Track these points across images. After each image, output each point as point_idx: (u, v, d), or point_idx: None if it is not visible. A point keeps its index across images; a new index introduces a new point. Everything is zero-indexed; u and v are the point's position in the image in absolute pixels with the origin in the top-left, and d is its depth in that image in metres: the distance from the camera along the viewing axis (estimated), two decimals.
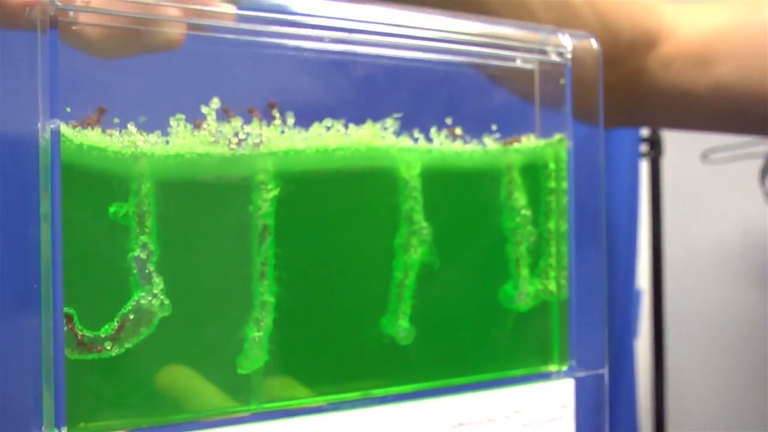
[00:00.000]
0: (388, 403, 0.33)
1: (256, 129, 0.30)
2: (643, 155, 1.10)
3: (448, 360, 0.35)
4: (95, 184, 0.28)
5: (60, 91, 0.27)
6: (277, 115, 0.31)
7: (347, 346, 0.32)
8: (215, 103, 0.30)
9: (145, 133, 0.28)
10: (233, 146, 0.30)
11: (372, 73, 0.34)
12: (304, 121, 0.31)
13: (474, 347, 0.35)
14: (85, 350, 0.27)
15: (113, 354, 0.28)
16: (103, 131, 0.28)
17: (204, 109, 0.29)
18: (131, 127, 0.28)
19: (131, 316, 0.28)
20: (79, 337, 0.27)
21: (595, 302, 0.38)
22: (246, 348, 0.30)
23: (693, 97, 0.41)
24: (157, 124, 0.28)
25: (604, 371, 0.38)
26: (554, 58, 0.37)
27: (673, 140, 0.93)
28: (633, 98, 0.37)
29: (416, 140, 0.34)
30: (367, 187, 0.33)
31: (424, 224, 0.34)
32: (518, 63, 0.37)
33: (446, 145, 0.34)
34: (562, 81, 0.37)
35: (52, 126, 0.26)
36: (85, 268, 0.27)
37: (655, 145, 0.99)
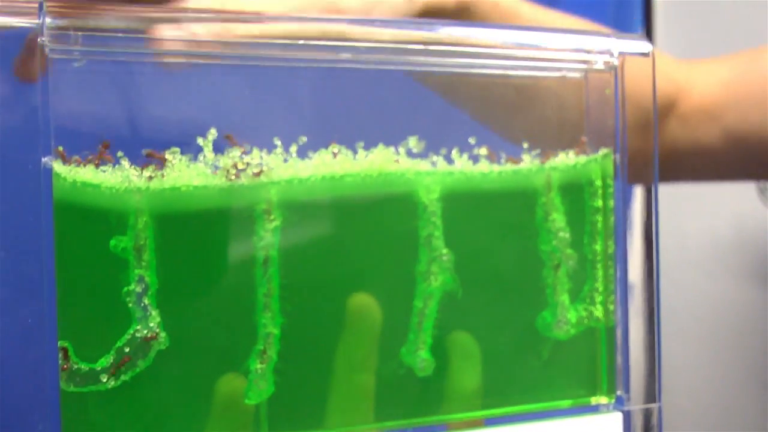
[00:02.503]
0: None
1: (256, 159, 0.30)
2: None
3: (476, 391, 0.33)
4: (91, 219, 0.28)
5: (54, 129, 0.27)
6: (279, 143, 0.30)
7: (357, 375, 0.31)
8: (212, 134, 0.29)
9: (138, 168, 0.28)
10: (232, 177, 0.29)
11: (388, 92, 0.32)
12: (311, 147, 0.31)
13: (504, 378, 0.33)
14: (81, 383, 0.28)
15: (109, 386, 0.28)
16: (97, 167, 0.28)
17: (200, 141, 0.29)
18: (124, 163, 0.28)
19: (127, 349, 0.28)
20: (74, 369, 0.28)
21: (647, 330, 0.35)
22: (250, 380, 0.30)
23: (707, 149, 0.41)
24: (130, 157, 0.29)
25: (658, 405, 0.35)
26: (600, 66, 0.34)
27: None
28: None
29: (434, 163, 0.32)
30: (382, 213, 0.32)
31: (444, 251, 0.32)
32: (564, 73, 0.35)
33: (468, 166, 0.33)
34: (608, 91, 0.34)
35: (45, 163, 0.27)
36: (82, 301, 0.28)
37: None
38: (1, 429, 0.27)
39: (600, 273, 0.35)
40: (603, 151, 0.35)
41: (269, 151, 0.30)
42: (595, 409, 0.35)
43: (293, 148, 0.30)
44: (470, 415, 0.33)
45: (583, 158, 0.34)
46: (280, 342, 0.30)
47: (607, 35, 0.34)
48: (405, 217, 0.32)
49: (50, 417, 0.27)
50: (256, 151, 0.30)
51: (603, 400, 0.35)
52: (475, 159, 0.33)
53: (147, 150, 0.29)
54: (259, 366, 0.30)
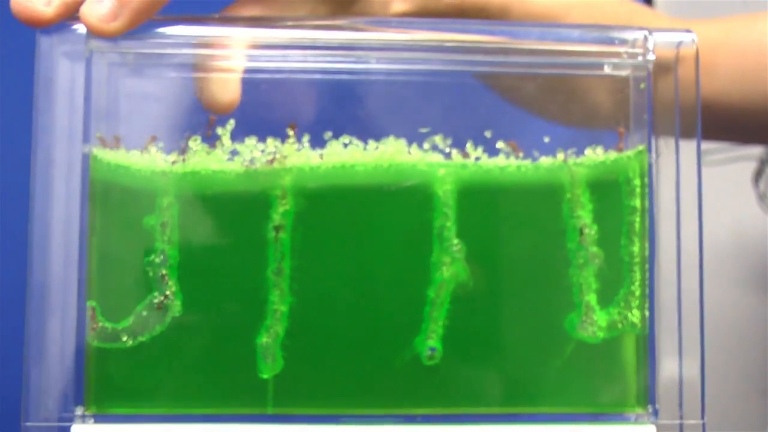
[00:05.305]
0: (408, 424, 0.32)
1: (271, 147, 0.32)
2: None
3: (485, 386, 0.33)
4: (123, 197, 0.32)
5: (93, 119, 0.32)
6: (292, 133, 0.32)
7: (367, 360, 0.32)
8: (231, 124, 0.32)
9: (163, 153, 0.32)
10: (247, 163, 0.32)
11: (408, 89, 0.34)
12: (328, 137, 0.33)
13: (520, 376, 0.33)
14: (104, 340, 0.31)
15: (128, 345, 0.32)
16: (128, 152, 0.32)
17: (219, 130, 0.32)
18: (152, 148, 0.32)
19: (144, 313, 0.32)
20: (98, 327, 0.31)
21: (690, 339, 0.33)
22: (257, 352, 0.32)
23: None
24: (176, 145, 0.32)
25: (701, 422, 0.32)
26: (636, 60, 0.33)
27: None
28: None
29: (448, 155, 0.33)
30: (394, 203, 0.33)
31: (455, 241, 0.32)
32: (606, 70, 0.34)
33: (485, 159, 0.33)
34: (642, 85, 0.33)
35: (85, 149, 0.32)
36: (111, 269, 0.32)
37: None
38: (38, 376, 0.31)
39: (637, 276, 0.33)
40: (639, 147, 0.33)
41: (283, 141, 0.32)
42: (626, 419, 0.33)
43: (306, 138, 0.32)
44: (481, 410, 0.32)
45: (612, 154, 0.33)
46: (288, 319, 0.32)
47: (646, 29, 0.33)
48: (417, 207, 0.33)
49: (75, 367, 0.31)
50: (270, 141, 0.32)
51: (636, 410, 0.33)
52: (497, 152, 0.33)
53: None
54: (265, 340, 0.32)
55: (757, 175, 0.74)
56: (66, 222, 0.31)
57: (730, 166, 0.73)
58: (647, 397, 0.33)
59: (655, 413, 0.32)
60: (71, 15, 0.31)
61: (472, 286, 0.32)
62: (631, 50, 0.33)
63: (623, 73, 0.34)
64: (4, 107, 0.56)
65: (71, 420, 0.31)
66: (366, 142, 0.33)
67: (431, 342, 0.32)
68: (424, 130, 0.33)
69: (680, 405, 0.33)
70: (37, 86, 0.31)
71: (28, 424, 0.31)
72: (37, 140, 0.31)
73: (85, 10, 0.31)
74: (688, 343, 0.32)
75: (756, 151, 0.73)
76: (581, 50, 0.34)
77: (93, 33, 0.31)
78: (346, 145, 0.33)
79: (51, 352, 0.31)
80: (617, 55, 0.33)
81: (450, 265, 0.32)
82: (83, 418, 0.31)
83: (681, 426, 0.33)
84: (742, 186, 0.75)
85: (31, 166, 0.31)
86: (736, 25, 0.45)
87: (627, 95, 0.34)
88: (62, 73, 0.32)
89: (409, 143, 0.33)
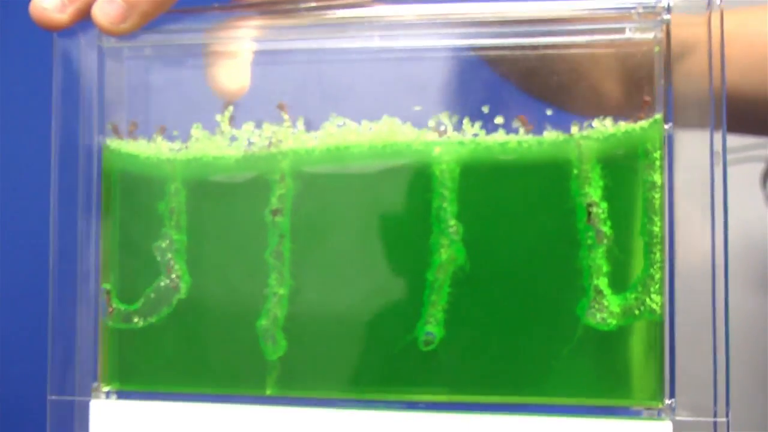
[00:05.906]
0: (405, 410, 0.31)
1: (267, 131, 0.33)
2: None
3: (486, 374, 0.31)
4: (134, 184, 0.34)
5: (107, 111, 0.34)
6: (286, 116, 0.32)
7: (366, 345, 0.32)
8: (229, 110, 0.33)
9: (168, 141, 0.33)
10: (245, 148, 0.33)
11: (409, 67, 0.33)
12: (320, 120, 0.32)
13: (524, 364, 0.31)
14: (118, 321, 0.33)
15: (140, 326, 0.33)
16: (135, 141, 0.33)
17: (218, 117, 0.33)
18: (158, 137, 0.33)
19: (152, 295, 0.33)
20: (114, 309, 0.33)
21: (714, 327, 0.29)
22: (258, 335, 0.32)
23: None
24: (180, 133, 0.33)
25: (725, 420, 0.29)
26: (652, 21, 0.30)
27: None
28: None
29: (444, 132, 0.32)
30: (390, 183, 0.32)
31: (453, 222, 0.31)
32: (627, 34, 0.32)
33: (483, 136, 0.31)
34: (657, 48, 0.30)
35: (98, 140, 0.33)
36: (124, 254, 0.33)
37: None
38: (56, 355, 0.33)
39: (657, 258, 0.30)
40: (656, 116, 0.30)
41: (279, 125, 0.32)
42: (641, 414, 0.30)
43: (300, 121, 0.32)
44: (483, 398, 0.31)
45: (623, 125, 0.30)
46: (288, 303, 0.32)
47: None
48: (415, 187, 0.32)
49: (93, 346, 0.33)
50: (266, 125, 0.33)
51: (652, 405, 0.30)
52: (505, 129, 0.31)
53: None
54: (264, 323, 0.32)
55: (765, 177, 0.75)
56: (84, 210, 0.33)
57: (737, 168, 0.72)
58: (664, 390, 0.30)
59: (673, 408, 0.30)
60: (84, 16, 0.33)
61: (473, 270, 0.31)
62: (642, 11, 0.30)
63: (642, 37, 0.31)
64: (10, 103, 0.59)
65: (91, 395, 0.33)
66: (360, 123, 0.32)
67: (429, 327, 0.31)
68: (417, 108, 0.32)
69: (715, 400, 0.30)
70: (55, 80, 0.33)
71: (52, 397, 0.33)
72: (55, 132, 0.33)
73: (96, 12, 0.32)
74: (710, 334, 0.29)
75: (764, 152, 0.73)
76: (589, 15, 0.31)
77: (104, 33, 0.32)
78: (340, 127, 0.32)
79: (72, 333, 0.33)
80: (628, 18, 0.30)
81: (448, 248, 0.31)
82: (102, 394, 0.33)
83: (715, 424, 0.30)
84: (749, 188, 0.75)
85: (51, 157, 0.33)
86: (748, 16, 0.43)
87: (650, 61, 0.31)
88: (78, 68, 0.33)
89: (414, 124, 0.32)
